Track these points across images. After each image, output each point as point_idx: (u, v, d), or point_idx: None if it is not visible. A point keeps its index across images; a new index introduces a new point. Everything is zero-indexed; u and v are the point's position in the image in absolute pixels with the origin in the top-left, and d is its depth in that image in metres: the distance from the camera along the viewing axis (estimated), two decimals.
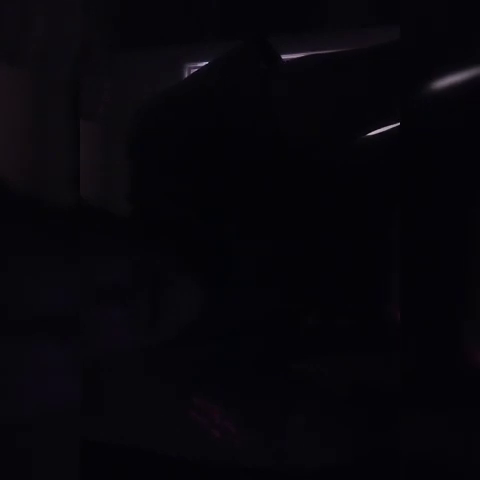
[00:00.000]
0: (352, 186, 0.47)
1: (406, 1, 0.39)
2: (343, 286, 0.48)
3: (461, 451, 0.37)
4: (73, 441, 0.45)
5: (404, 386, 0.37)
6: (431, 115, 0.40)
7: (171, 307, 0.50)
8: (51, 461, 0.46)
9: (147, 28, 1.33)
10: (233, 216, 0.46)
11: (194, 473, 0.45)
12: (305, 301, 0.48)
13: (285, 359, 0.47)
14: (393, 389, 0.39)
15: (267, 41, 0.49)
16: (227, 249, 0.47)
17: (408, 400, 0.37)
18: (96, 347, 0.51)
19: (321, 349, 0.47)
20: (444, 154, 0.40)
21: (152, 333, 0.51)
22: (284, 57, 0.50)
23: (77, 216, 0.50)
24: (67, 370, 0.47)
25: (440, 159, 0.40)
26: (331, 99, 0.44)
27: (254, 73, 0.48)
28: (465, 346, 0.39)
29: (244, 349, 0.47)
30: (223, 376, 0.47)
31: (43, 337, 0.49)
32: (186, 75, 1.34)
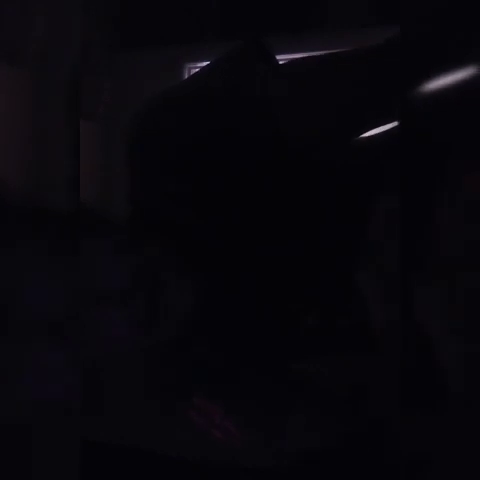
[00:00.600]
0: (352, 186, 0.47)
1: (406, 1, 0.39)
2: (343, 286, 0.48)
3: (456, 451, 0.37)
4: (73, 441, 0.45)
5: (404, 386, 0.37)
6: (431, 115, 0.40)
7: (171, 307, 0.50)
8: (51, 461, 0.46)
9: (147, 28, 1.33)
10: (233, 216, 0.46)
11: (194, 473, 0.45)
12: (305, 301, 0.48)
13: (285, 359, 0.47)
14: (393, 389, 0.39)
15: (267, 41, 0.49)
16: (227, 249, 0.47)
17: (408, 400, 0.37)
18: (96, 347, 0.51)
19: (321, 349, 0.47)
20: (444, 154, 0.40)
21: (152, 333, 0.51)
22: (284, 57, 0.50)
23: (77, 216, 0.50)
24: (67, 370, 0.47)
25: (440, 159, 0.40)
26: (331, 99, 0.44)
27: (254, 73, 0.48)
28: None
29: (244, 349, 0.47)
30: (223, 376, 0.47)
31: (43, 337, 0.50)
32: (186, 75, 1.35)
